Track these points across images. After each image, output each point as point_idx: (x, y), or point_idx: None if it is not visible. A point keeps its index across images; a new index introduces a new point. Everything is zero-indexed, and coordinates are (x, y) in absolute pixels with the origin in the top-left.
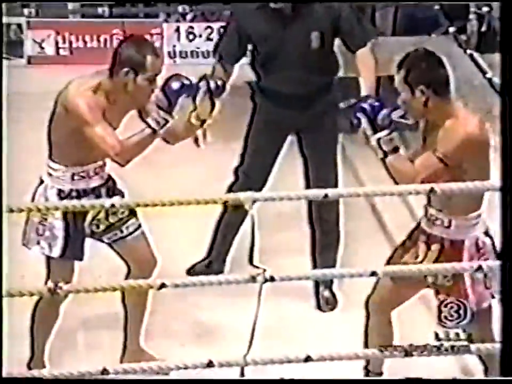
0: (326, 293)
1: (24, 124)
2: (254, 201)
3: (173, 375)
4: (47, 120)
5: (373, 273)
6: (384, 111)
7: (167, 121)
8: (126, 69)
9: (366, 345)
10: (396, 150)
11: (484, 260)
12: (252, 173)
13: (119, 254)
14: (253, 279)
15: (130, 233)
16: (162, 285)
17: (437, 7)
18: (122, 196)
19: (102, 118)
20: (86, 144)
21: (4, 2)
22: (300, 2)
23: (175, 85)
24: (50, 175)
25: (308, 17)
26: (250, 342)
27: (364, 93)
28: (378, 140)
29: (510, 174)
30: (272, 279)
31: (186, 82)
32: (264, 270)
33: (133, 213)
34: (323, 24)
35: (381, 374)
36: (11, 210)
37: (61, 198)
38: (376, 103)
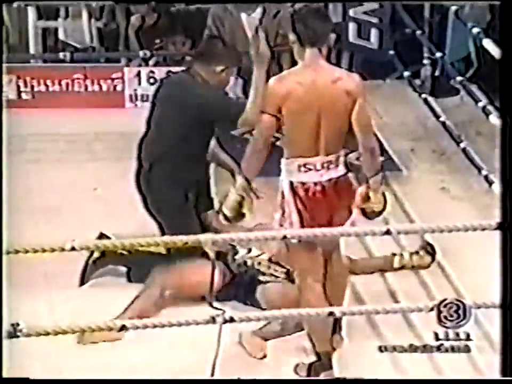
0: None
1: None
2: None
3: None
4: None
5: None
6: None
7: None
8: None
9: None
10: None
11: None
12: None
13: None
14: (213, 320)
15: None
16: (123, 327)
17: (391, 52)
18: None
19: None
20: None
21: (4, 2)
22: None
23: None
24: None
25: None
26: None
27: None
28: None
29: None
30: (232, 319)
31: None
32: (224, 312)
33: None
34: None
35: None
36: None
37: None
38: None
